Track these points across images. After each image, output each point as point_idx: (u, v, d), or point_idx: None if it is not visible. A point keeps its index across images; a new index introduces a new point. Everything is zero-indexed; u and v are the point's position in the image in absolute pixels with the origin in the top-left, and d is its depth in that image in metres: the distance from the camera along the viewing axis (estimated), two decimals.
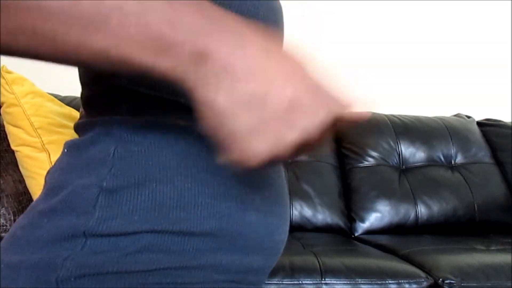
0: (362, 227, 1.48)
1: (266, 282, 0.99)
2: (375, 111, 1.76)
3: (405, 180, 1.56)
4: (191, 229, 0.33)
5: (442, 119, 1.74)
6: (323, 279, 1.02)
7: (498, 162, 1.64)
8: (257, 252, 0.38)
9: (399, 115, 1.74)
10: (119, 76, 0.34)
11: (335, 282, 1.02)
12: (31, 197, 1.15)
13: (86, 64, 0.26)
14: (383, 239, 1.39)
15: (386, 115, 1.73)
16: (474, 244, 1.30)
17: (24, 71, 1.19)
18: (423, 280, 1.04)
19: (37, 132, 1.12)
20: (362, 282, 1.02)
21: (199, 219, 0.33)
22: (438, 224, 1.49)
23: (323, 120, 0.26)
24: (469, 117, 1.81)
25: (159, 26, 0.24)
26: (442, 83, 1.97)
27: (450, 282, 1.03)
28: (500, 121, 1.78)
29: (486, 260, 1.11)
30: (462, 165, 1.63)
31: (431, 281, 1.04)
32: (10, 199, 1.13)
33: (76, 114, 1.27)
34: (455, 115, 1.82)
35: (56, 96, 1.37)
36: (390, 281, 1.03)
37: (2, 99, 1.14)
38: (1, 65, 1.16)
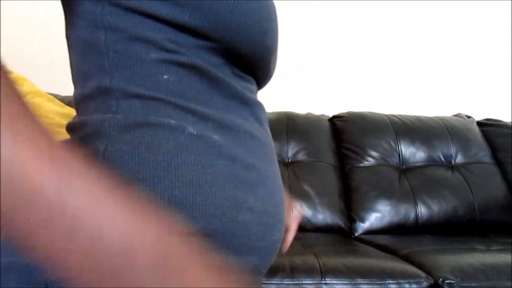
0: (362, 227, 1.48)
1: (266, 282, 0.99)
2: (375, 111, 1.76)
3: (405, 180, 1.56)
4: (183, 229, 0.33)
5: (442, 119, 1.74)
6: (323, 279, 1.02)
7: (498, 162, 1.64)
8: (251, 252, 0.38)
9: (399, 115, 1.74)
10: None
11: (335, 282, 1.02)
12: None
13: None
14: (383, 239, 1.39)
15: (386, 115, 1.73)
16: (474, 244, 1.30)
17: (24, 71, 1.19)
18: (423, 280, 1.04)
19: None
20: (362, 282, 1.02)
21: (191, 219, 0.33)
22: (438, 224, 1.49)
23: None
24: (469, 117, 1.81)
25: None
26: (442, 83, 1.97)
27: (450, 282, 1.03)
28: (500, 121, 1.78)
29: (486, 260, 1.11)
30: (462, 165, 1.63)
31: (431, 281, 1.04)
32: None
33: None
34: (455, 115, 1.82)
35: (56, 96, 1.37)
36: (390, 281, 1.03)
37: None
38: (1, 65, 1.16)
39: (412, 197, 1.51)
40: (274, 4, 0.45)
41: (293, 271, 1.03)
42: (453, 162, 1.64)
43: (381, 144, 1.63)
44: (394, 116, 1.73)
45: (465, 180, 1.56)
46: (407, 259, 1.17)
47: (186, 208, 0.33)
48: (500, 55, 1.99)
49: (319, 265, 1.05)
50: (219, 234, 0.34)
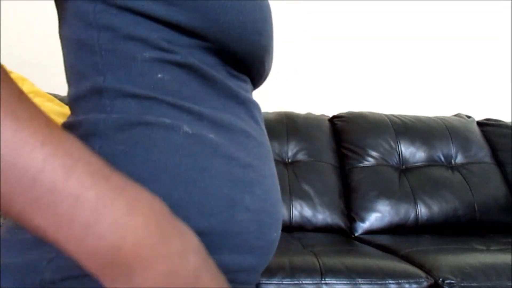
0: (362, 227, 1.48)
1: (266, 282, 0.99)
2: (375, 111, 1.76)
3: (405, 180, 1.56)
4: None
5: (442, 119, 1.74)
6: (323, 279, 1.02)
7: (498, 162, 1.64)
8: (248, 251, 0.37)
9: (399, 115, 1.74)
10: None
11: (335, 282, 1.02)
12: None
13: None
14: (383, 239, 1.38)
15: (386, 115, 1.73)
16: (474, 244, 1.30)
17: (24, 71, 1.19)
18: (423, 280, 1.04)
19: None
20: (362, 282, 1.02)
21: (187, 219, 0.32)
22: (438, 224, 1.48)
23: None
24: (469, 117, 1.81)
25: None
26: (442, 83, 1.97)
27: (450, 282, 1.03)
28: (500, 121, 1.78)
29: (486, 260, 1.11)
30: (462, 165, 1.62)
31: (431, 281, 1.04)
32: None
33: None
34: (455, 115, 1.82)
35: (56, 96, 1.37)
36: (390, 281, 1.03)
37: None
38: (1, 65, 1.16)
39: (412, 197, 1.51)
40: (269, 4, 0.45)
41: (293, 271, 1.02)
42: (453, 162, 1.64)
43: (381, 144, 1.63)
44: (394, 116, 1.73)
45: (465, 180, 1.56)
46: (407, 259, 1.17)
47: (183, 207, 0.33)
48: (500, 55, 1.99)
49: (319, 265, 1.05)
50: (216, 233, 0.34)
